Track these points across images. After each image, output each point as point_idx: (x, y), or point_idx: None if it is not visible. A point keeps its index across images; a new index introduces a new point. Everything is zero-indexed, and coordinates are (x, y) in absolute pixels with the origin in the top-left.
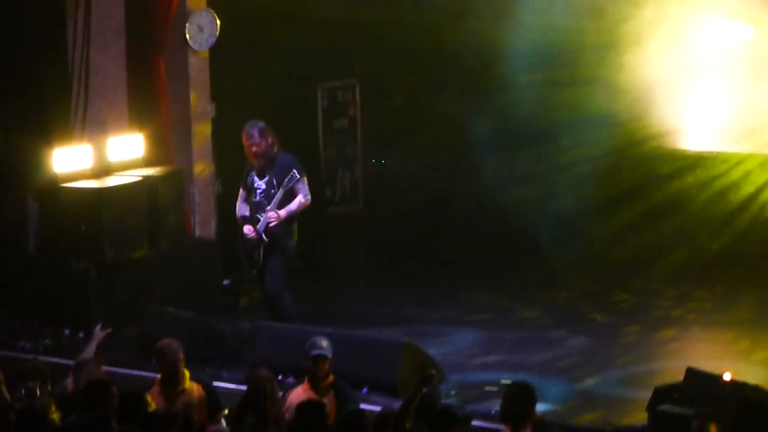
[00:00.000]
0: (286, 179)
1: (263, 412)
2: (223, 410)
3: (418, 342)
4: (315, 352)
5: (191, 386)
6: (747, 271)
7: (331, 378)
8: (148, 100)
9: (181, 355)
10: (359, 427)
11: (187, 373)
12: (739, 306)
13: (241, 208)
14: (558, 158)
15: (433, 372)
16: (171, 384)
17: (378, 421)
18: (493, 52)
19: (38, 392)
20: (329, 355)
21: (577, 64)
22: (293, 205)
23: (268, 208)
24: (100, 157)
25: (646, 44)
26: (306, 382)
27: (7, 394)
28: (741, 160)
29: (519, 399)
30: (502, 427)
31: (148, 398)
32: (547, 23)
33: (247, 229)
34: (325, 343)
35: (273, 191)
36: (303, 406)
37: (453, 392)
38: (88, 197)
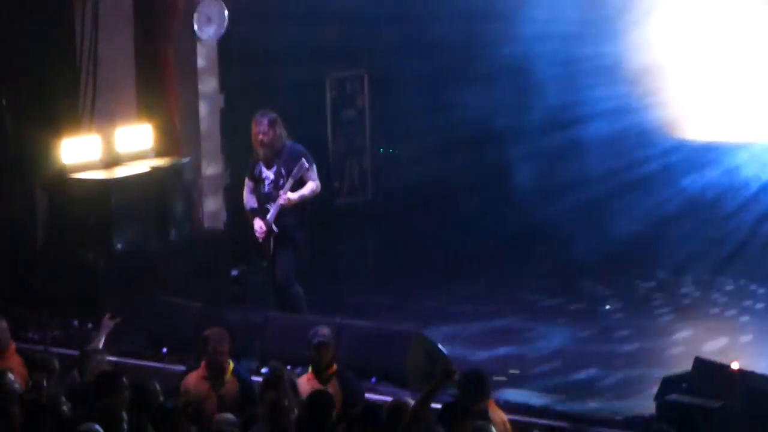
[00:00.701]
0: (296, 168)
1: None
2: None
3: (427, 333)
4: (316, 339)
5: (231, 380)
6: None
7: (334, 367)
8: (157, 90)
9: (224, 347)
10: (377, 420)
11: (231, 365)
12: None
13: (249, 200)
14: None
15: (455, 368)
16: (214, 374)
17: (391, 412)
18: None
19: (45, 384)
20: (331, 342)
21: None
22: (306, 190)
23: (281, 192)
24: (108, 147)
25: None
26: (310, 371)
27: (17, 386)
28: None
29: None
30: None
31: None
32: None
33: (258, 224)
34: (326, 330)
35: (282, 181)
36: (314, 397)
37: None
38: (96, 188)
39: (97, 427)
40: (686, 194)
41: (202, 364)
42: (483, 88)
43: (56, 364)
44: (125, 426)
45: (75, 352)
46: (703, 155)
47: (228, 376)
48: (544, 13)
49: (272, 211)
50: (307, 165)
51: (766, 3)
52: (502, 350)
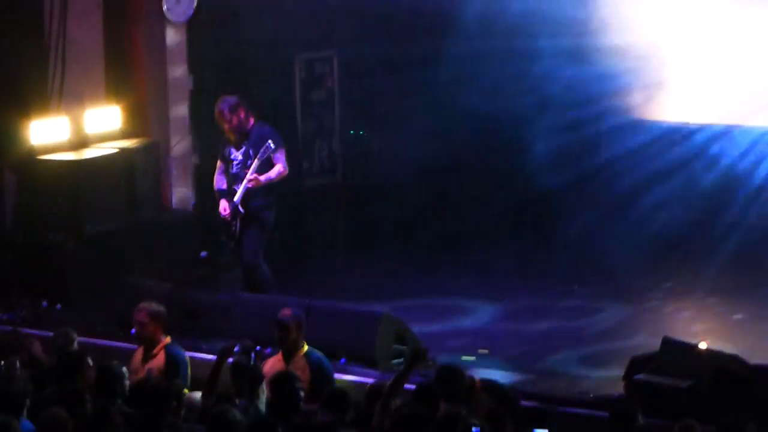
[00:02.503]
0: (262, 150)
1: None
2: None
3: (396, 314)
4: (276, 317)
5: (161, 354)
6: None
7: (304, 348)
8: (125, 72)
9: (141, 318)
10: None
11: (165, 341)
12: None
13: (219, 181)
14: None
15: (425, 348)
16: (146, 348)
17: (370, 394)
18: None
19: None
20: (290, 322)
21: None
22: (272, 173)
23: (248, 173)
24: (77, 129)
25: None
26: (280, 352)
27: None
28: None
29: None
30: None
31: (125, 370)
32: None
33: (222, 206)
34: (288, 311)
35: (249, 162)
36: (275, 379)
37: (430, 364)
38: (65, 169)
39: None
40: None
41: None
42: (454, 70)
43: (26, 343)
44: (89, 407)
45: (44, 333)
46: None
47: (159, 349)
48: None
49: (239, 192)
50: (273, 146)
51: None
52: (470, 330)
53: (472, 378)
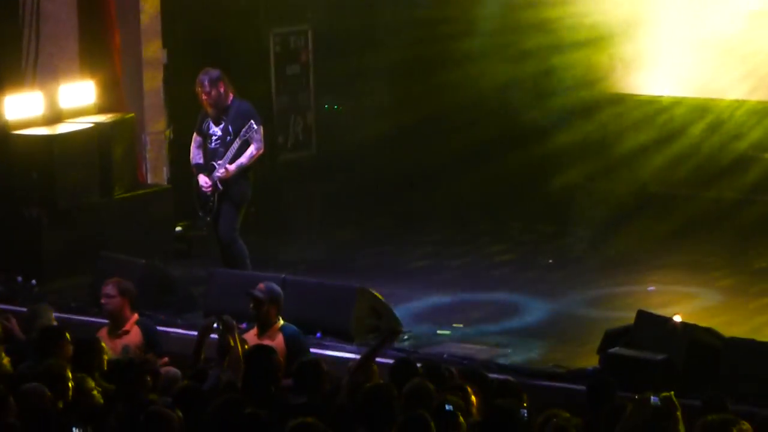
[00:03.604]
0: (244, 129)
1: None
2: (162, 358)
3: (371, 287)
4: (251, 292)
5: (134, 329)
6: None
7: (279, 323)
8: (100, 46)
9: (108, 292)
10: (318, 375)
11: (134, 317)
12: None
13: (196, 155)
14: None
15: (401, 328)
16: (113, 324)
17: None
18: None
19: None
20: (261, 296)
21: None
22: (243, 158)
23: (220, 162)
24: (51, 104)
25: None
26: (255, 327)
27: None
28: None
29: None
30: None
31: (103, 345)
32: None
33: (203, 180)
34: (263, 286)
35: (228, 138)
36: (252, 351)
37: (406, 337)
38: (39, 144)
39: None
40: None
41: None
42: (427, 44)
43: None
44: (69, 385)
45: (19, 309)
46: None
47: (130, 325)
48: None
49: (216, 173)
50: (255, 126)
51: None
52: (445, 303)
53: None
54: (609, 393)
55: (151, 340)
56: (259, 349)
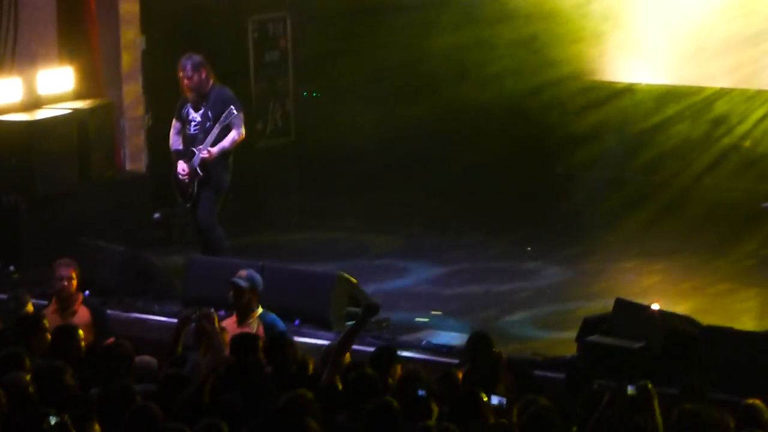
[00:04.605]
0: (224, 115)
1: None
2: (110, 339)
3: (349, 273)
4: (231, 279)
5: (81, 309)
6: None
7: (258, 310)
8: (78, 32)
9: (68, 275)
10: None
11: (80, 297)
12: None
13: (175, 142)
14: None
15: (377, 303)
16: (62, 305)
17: (325, 354)
18: None
19: None
20: (244, 284)
21: None
22: (225, 142)
23: (201, 147)
24: (29, 90)
25: None
26: (234, 314)
27: None
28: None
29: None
30: (432, 357)
31: (81, 332)
32: None
33: (181, 167)
34: (244, 273)
35: (208, 124)
36: (236, 339)
37: (384, 324)
38: (17, 131)
39: None
40: None
41: (53, 298)
42: (410, 32)
43: None
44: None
45: None
46: None
47: (77, 305)
48: None
49: (196, 156)
50: (235, 112)
51: None
52: (422, 290)
53: (499, 352)
54: (585, 381)
55: (99, 319)
56: (240, 337)
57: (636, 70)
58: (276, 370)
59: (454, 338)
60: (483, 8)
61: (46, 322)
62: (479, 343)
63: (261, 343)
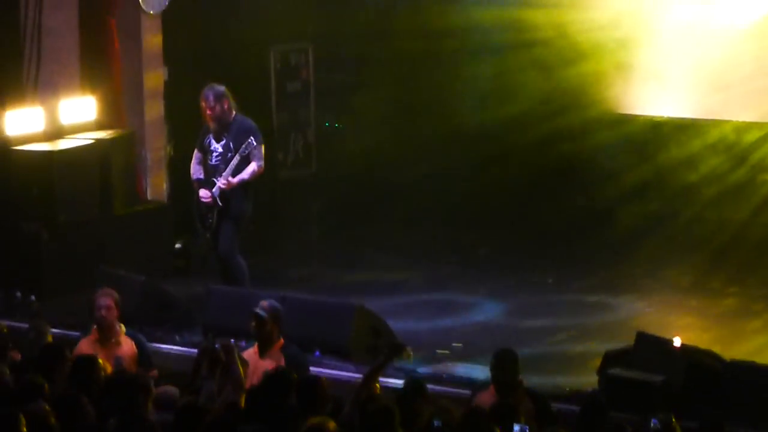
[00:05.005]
0: (243, 145)
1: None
2: (153, 370)
3: (371, 305)
4: (253, 310)
5: (125, 340)
6: None
7: (281, 342)
8: (101, 62)
9: (104, 302)
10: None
11: (122, 328)
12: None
13: (196, 171)
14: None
15: (404, 344)
16: (104, 335)
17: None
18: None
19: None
20: (265, 315)
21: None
22: (246, 173)
23: (222, 175)
24: (52, 119)
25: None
26: (256, 345)
27: None
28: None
29: (510, 366)
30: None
31: (100, 361)
32: None
33: (203, 193)
34: (266, 303)
35: (230, 155)
36: (272, 376)
37: (408, 357)
38: (39, 160)
39: None
40: None
41: (93, 328)
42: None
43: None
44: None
45: (18, 324)
46: None
47: (121, 336)
48: None
49: (217, 185)
50: (255, 143)
51: None
52: (445, 322)
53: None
54: (600, 413)
55: (143, 351)
56: (277, 374)
57: (661, 104)
58: (305, 410)
59: (476, 370)
60: (503, 36)
61: (100, 362)
62: (506, 359)
63: None
